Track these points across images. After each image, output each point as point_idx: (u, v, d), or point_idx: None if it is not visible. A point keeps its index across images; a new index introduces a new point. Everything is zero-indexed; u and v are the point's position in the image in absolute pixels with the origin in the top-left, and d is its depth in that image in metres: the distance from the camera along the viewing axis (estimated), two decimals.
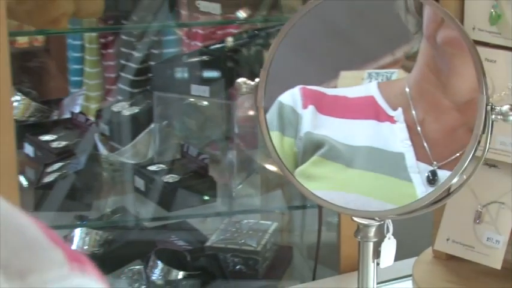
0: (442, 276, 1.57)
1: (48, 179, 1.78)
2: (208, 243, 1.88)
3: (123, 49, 2.49)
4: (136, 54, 2.20)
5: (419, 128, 1.28)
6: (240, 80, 1.42)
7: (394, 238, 1.36)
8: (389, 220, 1.36)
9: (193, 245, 1.95)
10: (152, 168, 1.82)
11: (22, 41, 3.63)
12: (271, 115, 1.31)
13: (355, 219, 1.38)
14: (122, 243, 1.95)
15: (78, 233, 1.94)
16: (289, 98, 1.30)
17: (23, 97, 1.92)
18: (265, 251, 1.88)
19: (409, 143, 1.28)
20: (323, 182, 1.33)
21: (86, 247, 1.94)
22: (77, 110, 1.96)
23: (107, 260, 1.93)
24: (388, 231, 1.38)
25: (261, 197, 1.97)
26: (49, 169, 1.82)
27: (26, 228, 0.49)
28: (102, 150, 1.83)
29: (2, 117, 1.57)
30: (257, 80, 1.33)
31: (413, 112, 1.29)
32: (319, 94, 1.31)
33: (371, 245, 1.37)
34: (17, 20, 1.69)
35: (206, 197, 1.86)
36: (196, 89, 1.83)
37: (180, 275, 1.82)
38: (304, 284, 1.76)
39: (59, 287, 0.47)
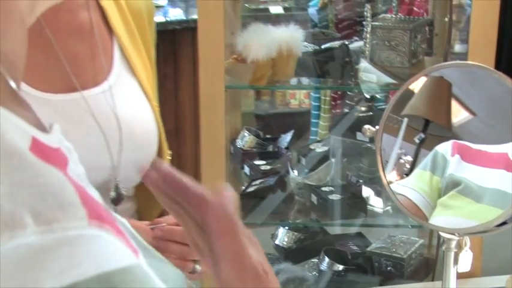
0: None
1: (249, 189, 1.89)
2: (368, 248, 1.93)
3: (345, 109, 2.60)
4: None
5: None
6: (366, 126, 1.50)
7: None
8: (467, 237, 1.39)
9: (362, 249, 1.98)
10: (324, 189, 1.87)
11: (294, 103, 3.81)
12: (427, 159, 1.36)
13: (441, 233, 1.42)
14: (309, 243, 1.99)
15: (280, 231, 2.02)
16: (442, 148, 1.34)
17: (250, 135, 2.01)
18: (411, 259, 1.90)
19: None
20: (454, 210, 1.35)
21: (284, 243, 2.01)
22: (284, 145, 2.04)
23: (298, 253, 1.99)
24: (466, 244, 1.41)
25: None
26: (253, 183, 1.91)
27: (64, 191, 0.48)
28: (292, 174, 1.90)
29: (218, 146, 1.70)
30: (377, 127, 1.42)
31: None
32: (466, 147, 1.33)
33: (452, 255, 1.41)
34: (231, 76, 1.74)
35: (358, 213, 1.90)
36: (360, 135, 1.88)
37: (341, 268, 1.86)
38: (423, 282, 1.77)
39: (74, 234, 0.46)
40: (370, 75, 1.73)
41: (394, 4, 1.85)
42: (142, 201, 1.26)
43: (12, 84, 0.52)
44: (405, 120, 1.40)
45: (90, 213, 0.47)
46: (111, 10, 1.20)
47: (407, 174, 1.40)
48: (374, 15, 1.87)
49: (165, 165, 0.67)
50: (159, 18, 3.79)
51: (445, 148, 1.35)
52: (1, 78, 0.51)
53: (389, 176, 1.40)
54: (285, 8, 3.48)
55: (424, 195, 1.38)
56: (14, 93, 0.52)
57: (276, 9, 3.53)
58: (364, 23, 1.74)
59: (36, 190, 0.46)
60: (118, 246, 0.48)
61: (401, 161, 1.44)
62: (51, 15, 1.12)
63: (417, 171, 1.38)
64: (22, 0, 0.53)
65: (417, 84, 1.39)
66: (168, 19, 3.69)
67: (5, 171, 0.45)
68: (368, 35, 1.72)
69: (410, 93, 1.42)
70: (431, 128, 1.42)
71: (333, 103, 2.75)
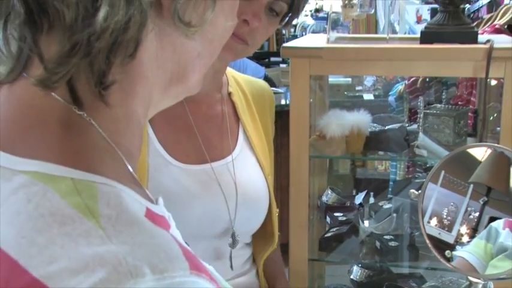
0: None
1: (327, 235, 1.89)
2: (423, 286, 1.87)
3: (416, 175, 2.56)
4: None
5: None
6: (411, 190, 1.49)
7: None
8: (491, 282, 1.35)
9: (419, 286, 1.91)
10: (386, 237, 1.85)
11: (381, 168, 3.74)
12: (484, 231, 1.33)
13: (469, 277, 1.38)
14: (376, 279, 1.96)
15: (355, 268, 1.99)
16: (496, 223, 1.32)
17: (333, 193, 2.02)
18: None
19: None
20: (500, 270, 1.31)
21: (357, 277, 1.97)
22: (358, 202, 2.02)
23: (367, 286, 1.94)
24: None
25: None
26: (330, 230, 1.92)
27: (172, 248, 0.49)
28: (361, 224, 1.89)
29: (302, 201, 1.71)
30: (419, 191, 1.41)
31: None
32: None
33: None
34: (315, 148, 1.75)
35: (412, 257, 1.85)
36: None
37: None
38: None
39: (179, 280, 0.47)
40: (422, 151, 1.73)
41: (443, 97, 1.85)
42: (256, 247, 1.30)
43: (130, 168, 0.55)
44: (471, 186, 1.39)
45: (191, 265, 0.48)
46: (240, 103, 1.27)
47: (474, 228, 1.39)
48: (434, 103, 1.89)
49: None
50: (281, 101, 3.91)
51: (498, 223, 1.33)
52: (124, 165, 0.54)
53: (461, 228, 1.40)
54: (374, 95, 3.51)
55: (478, 257, 1.35)
56: (131, 175, 0.54)
57: (368, 96, 3.57)
58: (418, 110, 1.75)
59: (152, 248, 0.48)
60: None
61: (471, 216, 1.43)
62: (195, 108, 1.20)
63: (475, 240, 1.36)
64: (139, 107, 0.57)
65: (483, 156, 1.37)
66: (288, 102, 3.82)
67: (129, 235, 0.47)
68: (420, 120, 1.72)
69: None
70: (493, 193, 1.40)
71: (407, 170, 2.72)
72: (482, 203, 1.40)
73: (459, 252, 1.35)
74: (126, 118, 0.55)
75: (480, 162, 1.37)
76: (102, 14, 0.49)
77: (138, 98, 0.56)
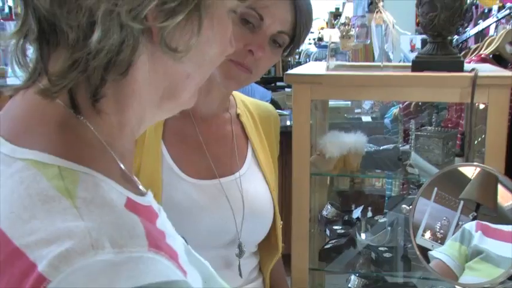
0: None
1: (326, 246, 1.90)
2: None
3: (410, 191, 2.56)
4: None
5: None
6: (403, 205, 1.52)
7: None
8: None
9: None
10: (381, 248, 1.85)
11: (378, 185, 3.74)
12: (458, 233, 1.35)
13: (456, 286, 1.39)
14: (372, 287, 1.95)
15: (352, 278, 1.98)
16: (469, 225, 1.34)
17: (332, 208, 2.02)
18: None
19: None
20: (477, 272, 1.32)
21: (354, 286, 1.96)
22: (356, 216, 2.02)
23: None
24: None
25: None
26: (329, 242, 1.92)
27: (135, 228, 0.51)
28: (358, 237, 1.90)
29: (303, 215, 1.72)
30: (410, 207, 1.43)
31: None
32: (486, 226, 1.33)
33: None
34: (315, 167, 1.75)
35: (405, 267, 1.86)
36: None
37: None
38: None
39: (137, 255, 0.49)
40: (413, 169, 1.75)
41: (433, 120, 1.88)
42: (262, 257, 1.32)
43: (122, 166, 0.59)
44: (462, 202, 1.41)
45: (151, 243, 0.51)
46: (248, 123, 1.29)
47: None
48: (426, 125, 1.93)
49: None
50: (286, 122, 3.94)
51: (470, 225, 1.35)
52: (115, 163, 0.59)
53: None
54: (372, 118, 3.53)
55: (454, 259, 1.37)
56: (123, 173, 0.59)
57: (366, 118, 3.59)
58: (410, 132, 1.78)
59: (115, 226, 0.51)
60: (169, 266, 0.51)
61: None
62: (205, 128, 1.22)
63: (449, 242, 1.38)
64: (133, 118, 0.62)
65: (472, 174, 1.38)
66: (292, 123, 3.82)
67: (99, 215, 0.51)
68: (412, 141, 1.75)
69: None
70: (482, 209, 1.42)
71: (402, 186, 2.73)
72: (471, 217, 1.42)
73: (436, 253, 1.36)
74: (119, 125, 0.60)
75: (470, 180, 1.39)
76: (95, 37, 0.54)
77: (132, 110, 0.61)
